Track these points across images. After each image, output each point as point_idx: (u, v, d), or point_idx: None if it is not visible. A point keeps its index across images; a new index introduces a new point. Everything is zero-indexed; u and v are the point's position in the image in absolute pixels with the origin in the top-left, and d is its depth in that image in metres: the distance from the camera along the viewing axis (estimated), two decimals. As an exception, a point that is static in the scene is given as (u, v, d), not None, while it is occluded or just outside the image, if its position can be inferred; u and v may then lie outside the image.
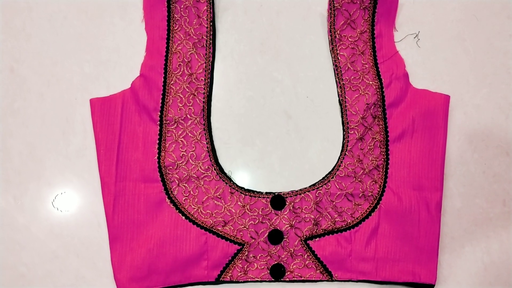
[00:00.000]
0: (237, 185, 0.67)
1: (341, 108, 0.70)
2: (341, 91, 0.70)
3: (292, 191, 0.67)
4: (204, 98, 0.69)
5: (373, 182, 0.68)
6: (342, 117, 0.70)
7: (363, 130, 0.69)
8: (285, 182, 0.69)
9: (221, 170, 0.68)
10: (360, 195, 0.67)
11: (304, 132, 0.71)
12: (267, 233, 0.66)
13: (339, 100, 0.71)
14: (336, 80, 0.71)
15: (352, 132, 0.69)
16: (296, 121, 0.71)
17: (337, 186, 0.68)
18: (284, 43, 0.73)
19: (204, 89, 0.69)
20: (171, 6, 0.69)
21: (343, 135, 0.69)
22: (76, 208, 0.68)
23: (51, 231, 0.68)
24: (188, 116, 0.68)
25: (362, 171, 0.68)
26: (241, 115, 0.71)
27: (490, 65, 0.73)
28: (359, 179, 0.68)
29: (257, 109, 0.71)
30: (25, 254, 0.67)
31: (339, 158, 0.69)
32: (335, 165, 0.68)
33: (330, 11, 0.70)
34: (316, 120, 0.71)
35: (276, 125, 0.71)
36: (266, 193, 0.67)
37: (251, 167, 0.70)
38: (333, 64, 0.71)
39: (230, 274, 0.66)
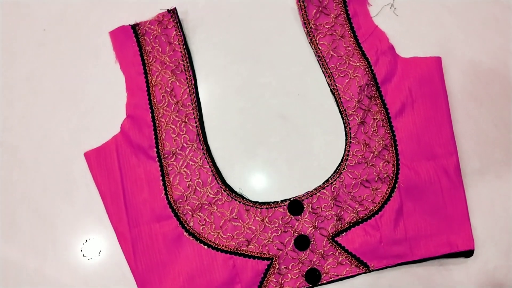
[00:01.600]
0: (250, 201, 0.66)
1: (335, 97, 0.68)
2: (330, 80, 0.69)
3: (307, 193, 0.66)
4: (196, 123, 0.67)
5: (386, 163, 0.66)
6: (338, 106, 0.68)
7: (362, 113, 0.67)
8: (298, 185, 0.67)
9: (231, 190, 0.66)
10: (376, 179, 0.65)
11: (304, 130, 0.69)
12: (293, 241, 0.65)
13: (330, 89, 0.69)
14: (322, 71, 0.69)
15: (352, 118, 0.67)
16: (293, 121, 0.69)
17: (351, 176, 0.66)
18: (262, 47, 0.71)
19: (193, 113, 0.67)
20: (140, 40, 0.68)
21: (344, 123, 0.68)
22: (103, 257, 0.68)
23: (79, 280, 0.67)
24: (185, 144, 0.66)
25: (371, 154, 0.66)
26: (237, 129, 0.69)
27: (476, 16, 0.71)
28: (371, 164, 0.66)
29: (251, 119, 0.69)
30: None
31: (345, 147, 0.67)
32: (343, 156, 0.67)
33: (299, 3, 0.69)
34: (313, 115, 0.69)
35: (275, 130, 0.69)
36: (282, 201, 0.66)
37: (260, 178, 0.68)
38: (316, 55, 0.69)
39: None
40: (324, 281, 0.65)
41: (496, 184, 0.68)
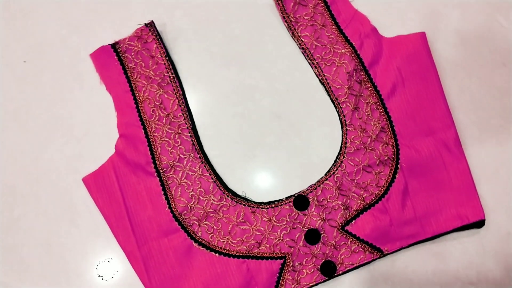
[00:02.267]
0: (255, 202, 0.65)
1: (325, 87, 0.68)
2: (318, 71, 0.68)
3: (310, 186, 0.65)
4: (189, 132, 0.67)
5: (385, 145, 0.65)
6: (329, 95, 0.68)
7: (355, 99, 0.66)
8: (301, 180, 0.67)
9: (234, 194, 0.66)
10: (377, 162, 0.65)
11: (299, 125, 0.68)
12: (303, 236, 0.64)
13: (319, 80, 0.68)
14: (309, 62, 0.69)
15: (345, 105, 0.67)
16: (287, 118, 0.69)
17: (352, 163, 0.65)
18: (245, 48, 0.70)
19: (186, 123, 0.67)
20: (122, 58, 0.68)
21: (337, 112, 0.67)
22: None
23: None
24: (181, 156, 0.66)
25: (369, 139, 0.65)
26: (232, 133, 0.69)
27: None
28: (370, 148, 0.65)
29: (245, 121, 0.69)
30: None
31: (342, 136, 0.66)
32: (342, 144, 0.66)
33: (275, -2, 0.68)
34: (306, 109, 0.69)
35: (270, 129, 0.69)
36: (287, 198, 0.65)
37: (262, 179, 0.68)
38: (300, 48, 0.69)
39: None
40: (340, 272, 0.64)
41: (498, 150, 0.68)
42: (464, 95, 0.69)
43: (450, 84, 0.69)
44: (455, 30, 0.70)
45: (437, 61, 0.68)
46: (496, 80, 0.69)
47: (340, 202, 0.65)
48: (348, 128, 0.66)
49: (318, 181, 0.65)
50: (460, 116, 0.68)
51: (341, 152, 0.66)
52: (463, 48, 0.70)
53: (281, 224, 0.64)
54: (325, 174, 0.66)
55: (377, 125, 0.66)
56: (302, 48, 0.69)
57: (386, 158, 0.65)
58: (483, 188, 0.67)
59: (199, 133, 0.68)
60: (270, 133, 0.69)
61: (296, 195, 0.65)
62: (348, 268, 0.64)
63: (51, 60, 0.71)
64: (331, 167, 0.66)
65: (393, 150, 0.65)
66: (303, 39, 0.69)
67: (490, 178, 0.67)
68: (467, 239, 0.66)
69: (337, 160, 0.66)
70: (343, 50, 0.67)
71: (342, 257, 0.64)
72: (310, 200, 0.65)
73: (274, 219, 0.64)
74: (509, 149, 0.68)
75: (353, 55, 0.67)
